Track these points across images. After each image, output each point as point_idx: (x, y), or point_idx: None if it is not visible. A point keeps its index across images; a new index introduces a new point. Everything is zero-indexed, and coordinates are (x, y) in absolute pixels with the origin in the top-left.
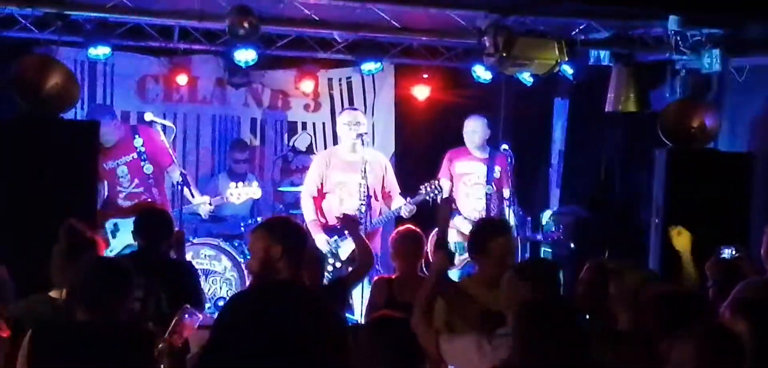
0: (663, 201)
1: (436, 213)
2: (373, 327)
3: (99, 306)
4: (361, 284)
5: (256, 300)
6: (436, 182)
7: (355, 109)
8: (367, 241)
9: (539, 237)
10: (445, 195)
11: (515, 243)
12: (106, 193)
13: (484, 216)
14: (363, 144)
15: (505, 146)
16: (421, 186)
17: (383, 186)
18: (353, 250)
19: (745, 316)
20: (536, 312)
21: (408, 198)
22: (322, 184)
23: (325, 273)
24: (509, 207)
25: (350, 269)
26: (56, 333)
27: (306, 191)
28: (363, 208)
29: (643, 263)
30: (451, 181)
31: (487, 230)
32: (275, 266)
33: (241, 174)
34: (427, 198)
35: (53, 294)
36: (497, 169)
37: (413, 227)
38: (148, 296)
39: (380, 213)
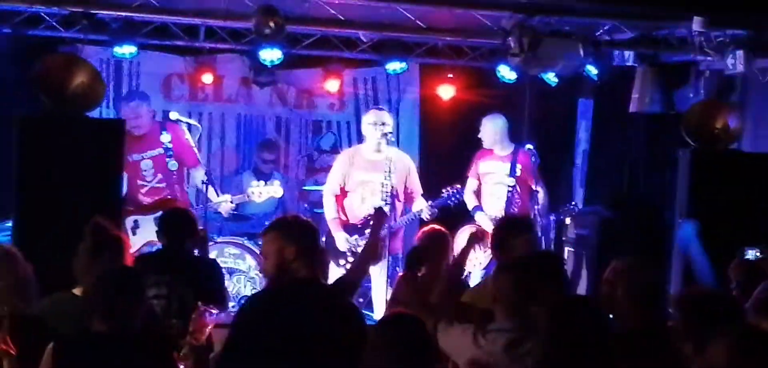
0: (687, 201)
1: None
2: (385, 324)
3: (114, 315)
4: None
5: (275, 300)
6: (457, 186)
7: (381, 109)
8: (381, 242)
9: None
10: (469, 200)
11: (538, 242)
12: (125, 188)
13: (505, 213)
14: (387, 143)
15: (529, 146)
16: (443, 190)
17: (406, 187)
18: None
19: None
20: (568, 312)
21: (430, 202)
22: (344, 182)
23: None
24: (533, 204)
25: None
26: (78, 344)
27: (328, 189)
28: (387, 208)
29: (667, 263)
30: (478, 179)
31: (509, 228)
32: (291, 267)
33: (266, 173)
34: (449, 202)
35: (77, 291)
36: (519, 166)
37: (439, 227)
38: (172, 293)
39: (402, 214)
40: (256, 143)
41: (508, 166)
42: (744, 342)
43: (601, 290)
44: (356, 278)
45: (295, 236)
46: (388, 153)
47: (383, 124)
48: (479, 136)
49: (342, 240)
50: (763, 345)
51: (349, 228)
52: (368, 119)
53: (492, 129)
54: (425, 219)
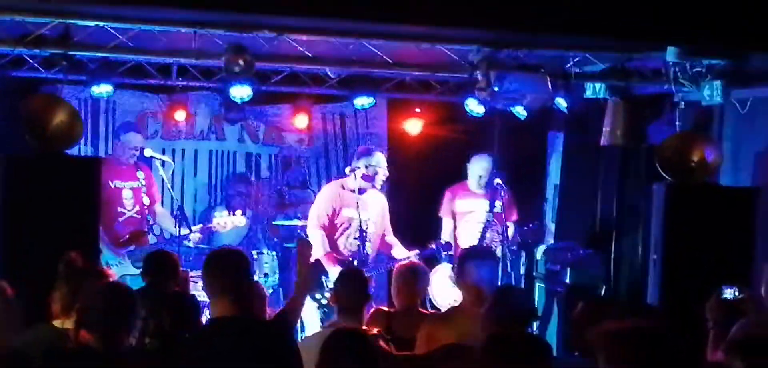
0: (662, 237)
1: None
2: (330, 340)
3: (106, 331)
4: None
5: (196, 343)
6: (448, 242)
7: (377, 151)
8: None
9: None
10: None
11: (496, 273)
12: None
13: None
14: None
15: (498, 180)
16: (432, 243)
17: (384, 228)
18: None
19: (740, 355)
20: (499, 346)
21: (417, 252)
22: (332, 216)
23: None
24: (502, 241)
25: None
26: (66, 359)
27: (315, 223)
28: (369, 247)
29: (642, 299)
30: (453, 218)
31: (469, 257)
32: (215, 303)
33: (237, 208)
34: (437, 255)
35: (57, 323)
36: (498, 203)
37: (416, 261)
38: (150, 316)
39: (377, 252)
40: (228, 178)
41: (487, 202)
42: None
43: (572, 328)
44: (293, 316)
45: (217, 272)
46: (371, 193)
47: (377, 172)
48: (467, 177)
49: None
50: None
51: (343, 263)
52: (366, 160)
53: (479, 170)
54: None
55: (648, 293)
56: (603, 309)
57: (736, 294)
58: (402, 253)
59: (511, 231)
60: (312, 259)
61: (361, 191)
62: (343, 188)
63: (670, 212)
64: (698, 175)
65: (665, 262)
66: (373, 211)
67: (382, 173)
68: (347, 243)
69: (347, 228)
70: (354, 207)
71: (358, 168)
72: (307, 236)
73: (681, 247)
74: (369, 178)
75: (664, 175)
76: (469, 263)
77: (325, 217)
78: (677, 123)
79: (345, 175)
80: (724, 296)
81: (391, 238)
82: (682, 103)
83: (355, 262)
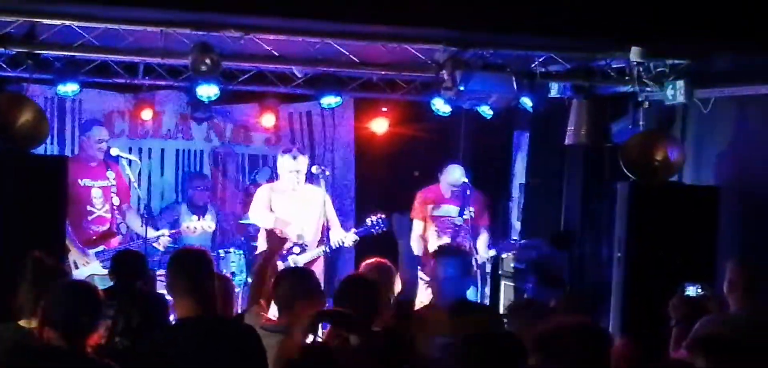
0: (626, 235)
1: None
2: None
3: (70, 330)
4: None
5: (158, 344)
6: (381, 215)
7: (295, 155)
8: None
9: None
10: (416, 246)
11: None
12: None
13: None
14: (298, 182)
15: (464, 179)
16: (367, 219)
17: (324, 219)
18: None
19: (703, 352)
20: (472, 347)
21: (353, 229)
22: (269, 212)
23: None
24: (467, 234)
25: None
26: (31, 358)
27: (257, 208)
28: (307, 238)
29: (606, 298)
30: (424, 222)
31: (436, 252)
32: (179, 303)
33: (200, 206)
34: (373, 230)
35: (22, 323)
36: (470, 209)
37: (383, 259)
38: (118, 314)
39: (319, 244)
40: (190, 178)
41: (458, 208)
42: None
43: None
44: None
45: (180, 272)
46: (303, 190)
47: (298, 171)
48: (440, 179)
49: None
50: None
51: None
52: (286, 166)
53: (452, 179)
54: (348, 247)
55: (612, 291)
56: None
57: (699, 291)
58: (339, 234)
59: (484, 238)
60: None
61: (292, 190)
62: (273, 189)
63: (633, 211)
64: (662, 173)
65: (629, 260)
66: (308, 206)
67: (302, 175)
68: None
69: (280, 225)
70: (286, 204)
71: (280, 167)
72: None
73: (644, 245)
74: (292, 175)
75: (628, 173)
76: (435, 260)
77: (267, 214)
78: (641, 122)
79: (312, 174)
80: (687, 293)
81: (333, 224)
82: (646, 102)
83: (297, 249)
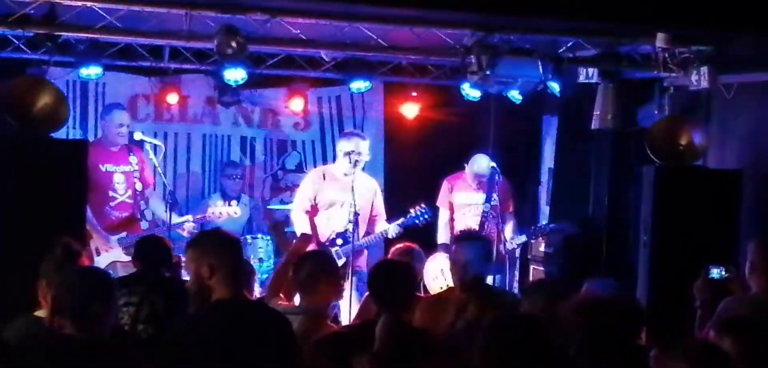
0: (651, 219)
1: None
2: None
3: (83, 318)
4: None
5: (194, 327)
6: (424, 206)
7: (357, 136)
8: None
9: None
10: (441, 234)
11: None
12: (91, 205)
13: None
14: (354, 167)
15: (492, 164)
16: (410, 209)
17: (371, 211)
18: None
19: (730, 334)
20: (500, 328)
21: (395, 222)
22: (315, 199)
23: None
24: (495, 222)
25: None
26: (40, 349)
27: (298, 206)
28: (350, 228)
29: (632, 281)
30: (451, 210)
31: (457, 238)
32: (207, 285)
33: (233, 195)
34: (416, 221)
35: (40, 313)
36: (495, 196)
37: (411, 244)
38: (143, 301)
39: (365, 235)
40: (221, 166)
41: (484, 195)
42: (702, 358)
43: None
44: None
45: (210, 253)
46: (357, 176)
47: (359, 153)
48: (465, 169)
49: None
50: (720, 360)
51: (321, 245)
52: (344, 147)
53: (478, 168)
54: (391, 239)
55: (638, 273)
56: None
57: (723, 273)
58: (382, 227)
59: (511, 225)
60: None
61: (345, 174)
62: (326, 173)
63: (659, 194)
64: (686, 157)
65: (654, 243)
66: (358, 194)
67: (363, 159)
68: (331, 224)
69: (328, 209)
70: (338, 191)
71: (340, 150)
72: (291, 220)
73: (670, 228)
74: (350, 160)
75: (653, 158)
76: (455, 245)
77: (308, 202)
78: (666, 107)
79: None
80: (711, 275)
81: (381, 220)
82: (672, 87)
83: (340, 241)
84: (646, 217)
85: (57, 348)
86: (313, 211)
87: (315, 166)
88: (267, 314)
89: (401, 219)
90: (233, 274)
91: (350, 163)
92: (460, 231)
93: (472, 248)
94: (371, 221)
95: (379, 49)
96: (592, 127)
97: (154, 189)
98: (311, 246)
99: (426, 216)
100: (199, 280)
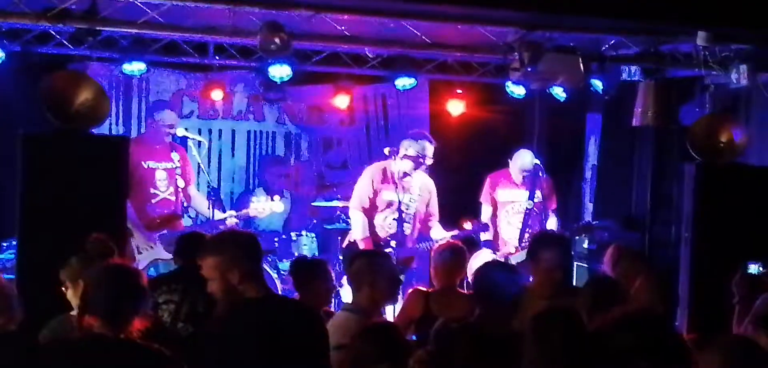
0: (693, 215)
1: None
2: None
3: (114, 316)
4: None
5: (235, 325)
6: (484, 222)
7: (426, 139)
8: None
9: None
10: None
11: (565, 259)
12: (132, 202)
13: (520, 235)
14: (416, 167)
15: (536, 161)
16: (467, 222)
17: (426, 211)
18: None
19: (766, 331)
20: (548, 321)
21: (453, 234)
22: (374, 198)
23: None
24: (538, 219)
25: None
26: (69, 349)
27: (356, 204)
28: (408, 228)
29: (674, 276)
30: (493, 206)
31: (540, 241)
32: (238, 289)
33: (277, 191)
34: (473, 235)
35: (74, 313)
36: (538, 193)
37: (455, 241)
38: (183, 299)
39: (420, 235)
40: (266, 162)
41: (528, 192)
42: (738, 352)
43: None
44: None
45: (235, 259)
46: (416, 175)
47: (424, 156)
48: (510, 164)
49: None
50: (757, 355)
51: (377, 247)
52: (411, 147)
53: (522, 164)
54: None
55: (680, 269)
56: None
57: (761, 269)
58: (439, 234)
59: (553, 221)
60: (348, 241)
61: (405, 174)
62: (386, 170)
63: (700, 191)
64: (726, 155)
65: (695, 239)
66: (415, 194)
67: (427, 162)
68: (386, 225)
69: (386, 210)
70: (394, 189)
71: (405, 150)
72: (348, 217)
73: (710, 225)
74: (415, 162)
75: (694, 155)
76: (538, 246)
77: (367, 199)
78: (707, 105)
79: (385, 156)
80: (749, 271)
81: (434, 220)
82: (712, 85)
83: (393, 243)
84: (688, 213)
85: (85, 348)
86: (371, 209)
87: (360, 163)
88: (300, 311)
89: (456, 232)
90: (260, 273)
91: (414, 164)
92: (540, 234)
93: (559, 253)
94: (426, 219)
95: (424, 47)
96: (634, 123)
97: (197, 187)
98: (365, 246)
99: (483, 232)
100: (227, 287)
